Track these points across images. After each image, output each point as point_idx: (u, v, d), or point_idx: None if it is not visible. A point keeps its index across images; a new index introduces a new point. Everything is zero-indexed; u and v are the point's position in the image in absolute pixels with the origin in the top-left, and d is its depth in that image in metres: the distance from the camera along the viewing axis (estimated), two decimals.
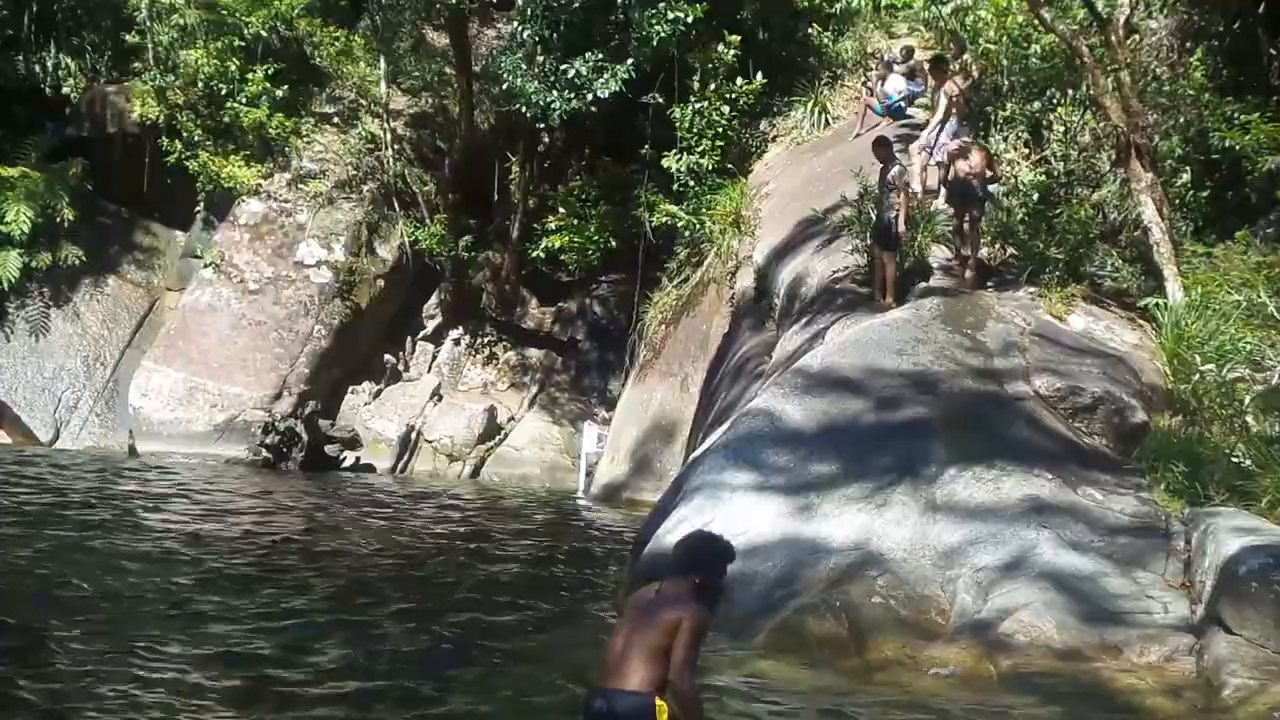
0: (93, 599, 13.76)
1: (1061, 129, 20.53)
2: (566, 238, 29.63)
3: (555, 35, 27.52)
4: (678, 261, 27.92)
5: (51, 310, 29.76)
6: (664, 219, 27.64)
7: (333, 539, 19.11)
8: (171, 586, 14.65)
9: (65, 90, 31.86)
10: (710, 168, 27.31)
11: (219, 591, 14.55)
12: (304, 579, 15.75)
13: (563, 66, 27.12)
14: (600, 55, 27.10)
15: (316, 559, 17.23)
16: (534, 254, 30.54)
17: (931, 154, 21.06)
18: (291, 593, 14.85)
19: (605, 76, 26.92)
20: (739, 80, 27.72)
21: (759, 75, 27.86)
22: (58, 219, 29.24)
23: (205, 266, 29.91)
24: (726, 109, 27.50)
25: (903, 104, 25.21)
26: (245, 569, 16.03)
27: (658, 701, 8.08)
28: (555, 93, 27.15)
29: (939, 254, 19.23)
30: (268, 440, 26.90)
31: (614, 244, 29.48)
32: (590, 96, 27.06)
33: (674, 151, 27.50)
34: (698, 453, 16.71)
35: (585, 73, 26.93)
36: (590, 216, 29.94)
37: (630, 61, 26.98)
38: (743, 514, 13.92)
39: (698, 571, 8.36)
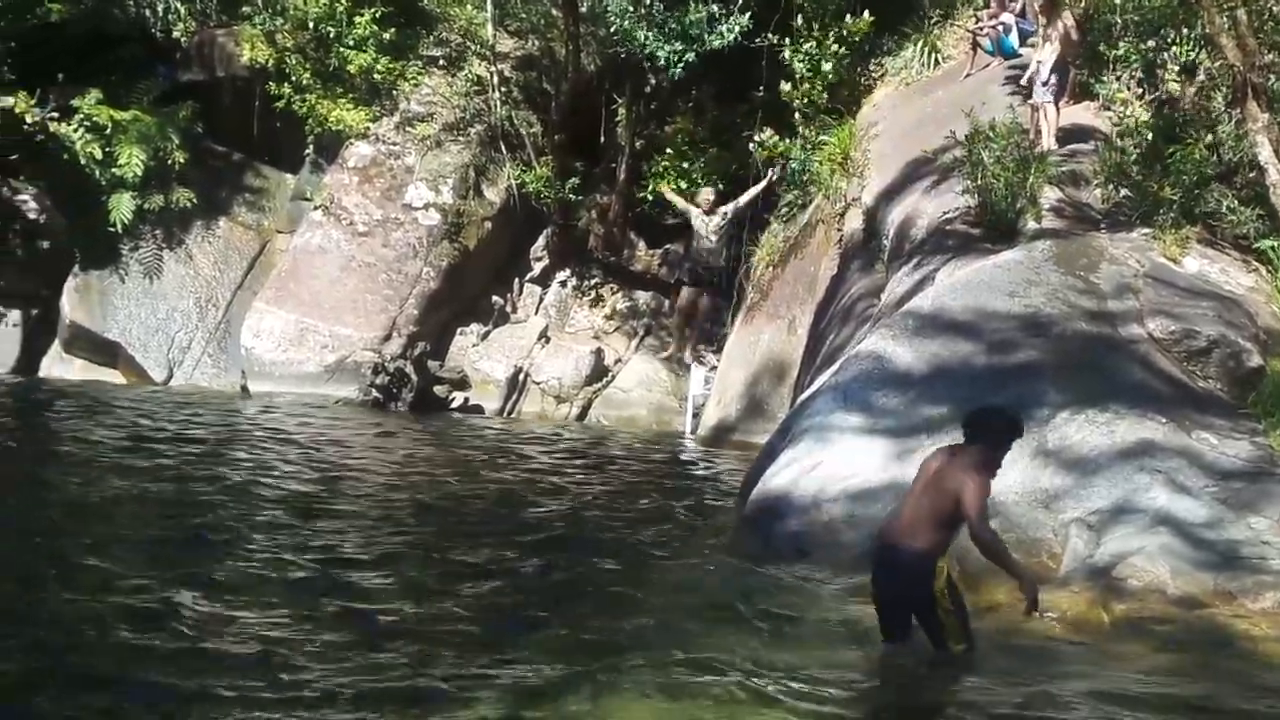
0: (234, 537, 14.17)
1: (1176, 68, 20.23)
2: (674, 181, 29.55)
3: None
4: (786, 204, 27.78)
5: (164, 252, 30.01)
6: (775, 152, 27.33)
7: (450, 477, 19.39)
8: (307, 529, 14.97)
9: (175, 34, 32.02)
10: (821, 106, 27.04)
11: (347, 531, 14.90)
12: (421, 514, 16.06)
13: (676, 14, 26.92)
14: (714, 4, 26.92)
15: (437, 496, 17.54)
16: (642, 195, 30.44)
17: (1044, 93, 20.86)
18: (413, 528, 15.17)
19: (721, 27, 26.78)
20: (848, 18, 27.38)
21: (865, 13, 27.51)
22: (169, 162, 29.46)
23: (315, 209, 30.12)
24: (837, 47, 27.13)
25: (1014, 42, 24.92)
26: (367, 507, 16.36)
27: (939, 563, 9.78)
28: (667, 46, 27.00)
29: (1050, 196, 19.02)
30: (377, 381, 27.12)
31: (721, 186, 29.33)
32: (705, 48, 26.91)
33: (789, 85, 27.20)
34: (806, 395, 16.71)
35: (699, 22, 26.75)
36: (697, 159, 29.82)
37: (749, 14, 26.76)
38: (851, 456, 13.96)
39: (986, 441, 9.92)
